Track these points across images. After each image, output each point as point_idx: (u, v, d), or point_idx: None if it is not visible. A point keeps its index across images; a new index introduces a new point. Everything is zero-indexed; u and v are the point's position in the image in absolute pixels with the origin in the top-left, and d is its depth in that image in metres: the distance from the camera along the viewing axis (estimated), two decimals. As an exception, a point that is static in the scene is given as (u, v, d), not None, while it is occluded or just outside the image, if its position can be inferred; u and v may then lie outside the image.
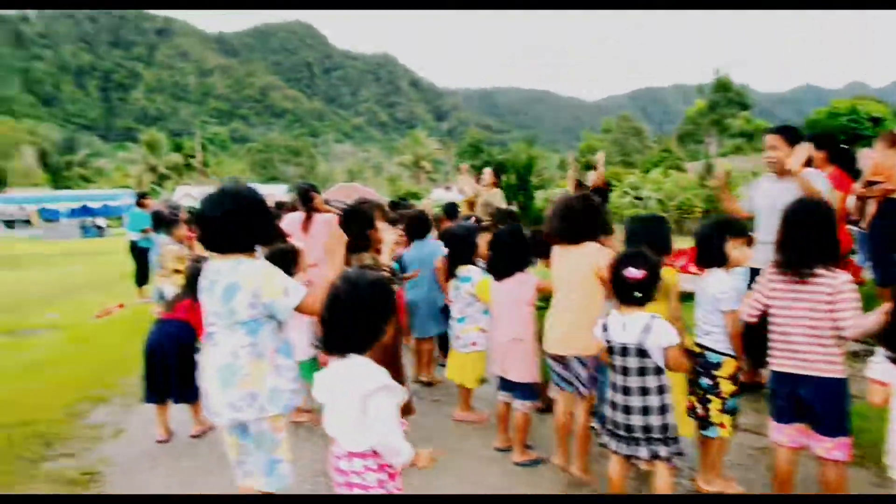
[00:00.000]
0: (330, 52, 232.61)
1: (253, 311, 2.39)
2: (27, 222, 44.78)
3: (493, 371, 3.78)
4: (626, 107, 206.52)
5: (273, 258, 4.56)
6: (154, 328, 4.12)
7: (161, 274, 7.25)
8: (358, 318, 2.01)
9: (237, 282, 2.38)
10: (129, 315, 9.50)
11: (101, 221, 41.69)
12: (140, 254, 10.15)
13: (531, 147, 31.44)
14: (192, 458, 3.77)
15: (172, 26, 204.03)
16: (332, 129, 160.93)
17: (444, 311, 5.06)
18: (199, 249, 10.02)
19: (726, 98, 53.65)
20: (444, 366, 4.84)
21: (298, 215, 5.35)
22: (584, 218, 3.27)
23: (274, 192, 43.08)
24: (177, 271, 6.20)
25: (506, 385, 3.68)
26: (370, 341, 2.05)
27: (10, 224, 48.09)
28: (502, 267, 3.69)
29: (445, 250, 4.93)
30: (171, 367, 4.04)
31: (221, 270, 2.44)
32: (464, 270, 4.10)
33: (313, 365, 4.14)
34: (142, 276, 10.34)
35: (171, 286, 5.97)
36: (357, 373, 2.00)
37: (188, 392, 4.16)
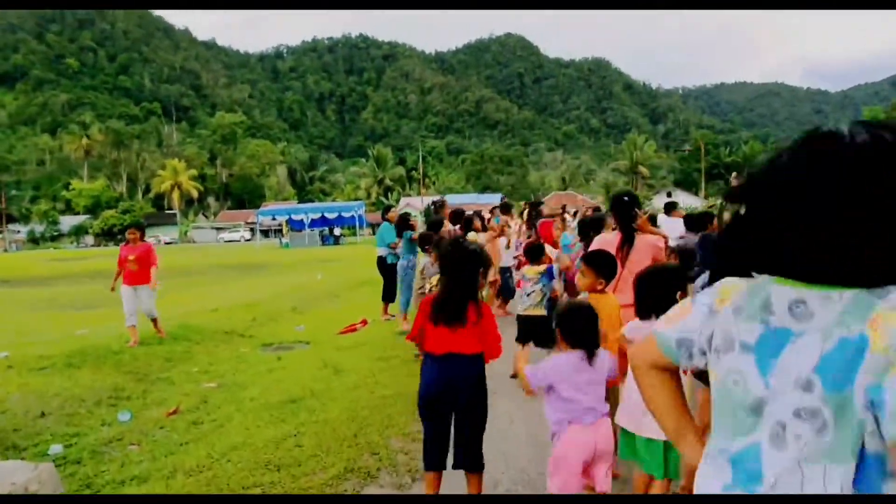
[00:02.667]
0: (541, 62, 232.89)
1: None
2: (279, 231, 50.62)
3: None
4: (883, 95, 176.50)
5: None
6: (436, 366, 2.96)
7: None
8: None
9: (867, 335, 0.92)
10: (373, 334, 8.97)
11: (336, 231, 45.50)
12: (388, 270, 9.45)
13: (766, 146, 27.12)
14: None
15: (396, 51, 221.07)
16: (543, 138, 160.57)
17: None
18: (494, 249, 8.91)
19: None
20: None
21: (612, 236, 3.94)
22: None
23: (494, 201, 43.43)
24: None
25: None
26: None
27: (265, 233, 54.99)
28: None
29: None
30: (459, 420, 2.98)
31: (815, 309, 0.98)
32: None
33: None
34: (389, 293, 9.68)
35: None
36: None
37: (473, 457, 3.00)
